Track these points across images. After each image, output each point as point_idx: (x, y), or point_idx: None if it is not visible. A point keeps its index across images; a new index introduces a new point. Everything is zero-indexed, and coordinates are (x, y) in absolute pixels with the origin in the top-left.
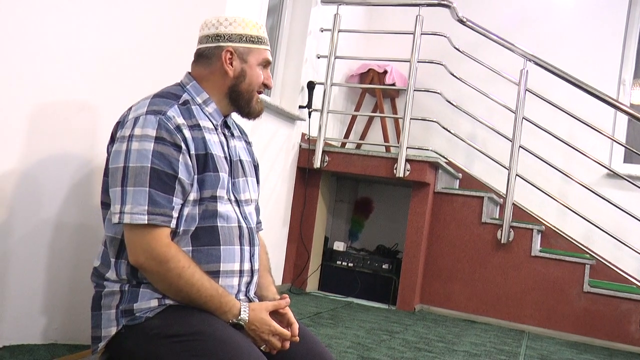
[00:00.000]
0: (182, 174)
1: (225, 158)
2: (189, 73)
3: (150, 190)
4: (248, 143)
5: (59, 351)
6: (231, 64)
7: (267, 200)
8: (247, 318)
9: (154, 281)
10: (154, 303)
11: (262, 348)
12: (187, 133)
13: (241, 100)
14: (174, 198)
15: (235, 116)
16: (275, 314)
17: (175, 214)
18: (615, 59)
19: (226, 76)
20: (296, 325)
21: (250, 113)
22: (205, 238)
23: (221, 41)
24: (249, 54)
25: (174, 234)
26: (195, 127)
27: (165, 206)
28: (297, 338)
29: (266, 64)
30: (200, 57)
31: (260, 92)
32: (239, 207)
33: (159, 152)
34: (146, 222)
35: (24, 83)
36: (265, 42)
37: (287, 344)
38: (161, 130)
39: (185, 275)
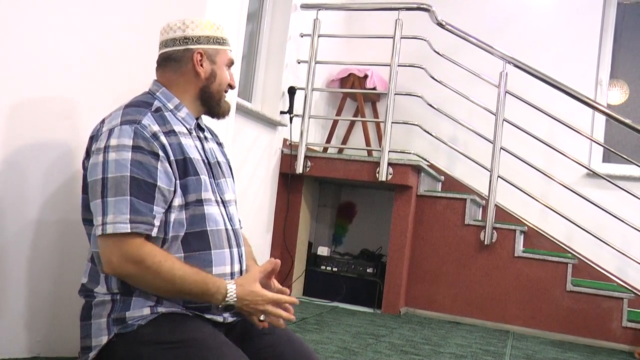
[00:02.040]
0: (161, 182)
1: (203, 161)
2: (156, 80)
3: (131, 198)
4: (220, 144)
5: None
6: (202, 65)
7: (250, 207)
8: (235, 297)
9: (135, 284)
10: (147, 311)
11: (261, 319)
12: (163, 140)
13: (212, 100)
14: (155, 207)
15: (204, 118)
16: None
17: (157, 223)
18: (592, 60)
19: (197, 78)
20: (287, 290)
21: (220, 113)
22: (196, 243)
23: (190, 43)
24: (216, 55)
25: (163, 241)
26: (170, 133)
27: (147, 214)
28: (295, 299)
29: (230, 64)
30: (169, 60)
31: (225, 92)
32: (224, 208)
33: (138, 161)
34: (129, 230)
35: (5, 84)
36: (228, 43)
37: (292, 313)
38: (138, 139)
39: (163, 269)
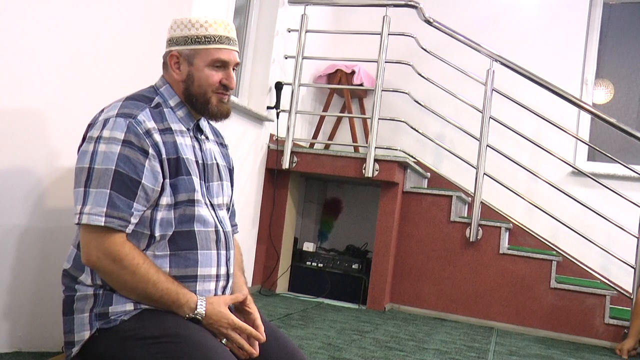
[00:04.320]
0: (146, 180)
1: (197, 162)
2: (162, 76)
3: (111, 192)
4: (224, 146)
5: (23, 359)
6: (179, 68)
7: (236, 202)
8: (203, 312)
9: (109, 280)
10: (130, 306)
11: (223, 342)
12: (157, 137)
13: (196, 103)
14: (135, 204)
15: None
16: (241, 313)
17: (134, 220)
18: (578, 60)
19: (180, 82)
20: (262, 327)
21: (211, 115)
22: (182, 242)
23: (170, 45)
24: (195, 56)
25: (151, 239)
26: (166, 130)
27: (124, 210)
28: (262, 337)
29: (220, 64)
30: (163, 63)
31: (220, 93)
32: (214, 211)
33: (125, 156)
34: (102, 223)
35: None
36: (217, 41)
37: (257, 346)
38: (130, 134)
39: (140, 271)
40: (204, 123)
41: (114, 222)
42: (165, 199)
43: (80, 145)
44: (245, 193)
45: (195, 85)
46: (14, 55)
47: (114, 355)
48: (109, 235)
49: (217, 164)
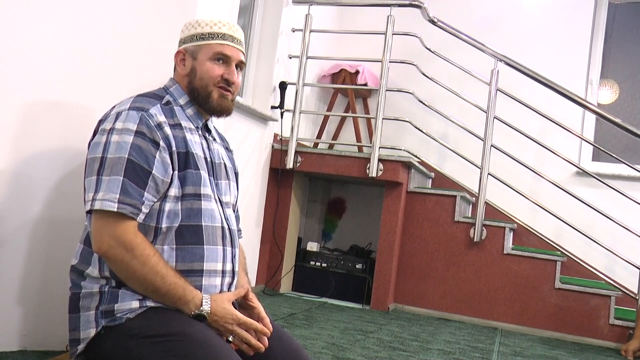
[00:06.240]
0: (156, 171)
1: (205, 159)
2: (172, 77)
3: (124, 179)
4: (229, 151)
5: (29, 358)
6: (184, 64)
7: (240, 202)
8: (209, 309)
9: (118, 270)
10: (135, 304)
11: (229, 339)
12: (168, 130)
13: (199, 97)
14: (146, 193)
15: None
16: (245, 309)
17: (145, 209)
18: (583, 60)
19: (184, 77)
20: (267, 320)
21: (213, 109)
22: (189, 237)
23: (179, 46)
24: (198, 52)
25: (157, 231)
26: (176, 126)
27: (136, 198)
28: (268, 331)
29: (221, 57)
30: (174, 65)
31: (222, 87)
32: (222, 208)
33: (138, 146)
34: (115, 209)
35: (6, 86)
36: (219, 37)
37: (265, 341)
38: (142, 126)
39: (150, 263)
40: (212, 124)
41: (127, 209)
42: (173, 191)
43: (92, 140)
44: (249, 193)
45: (197, 78)
46: (17, 53)
47: (119, 353)
48: (121, 222)
49: (225, 164)
